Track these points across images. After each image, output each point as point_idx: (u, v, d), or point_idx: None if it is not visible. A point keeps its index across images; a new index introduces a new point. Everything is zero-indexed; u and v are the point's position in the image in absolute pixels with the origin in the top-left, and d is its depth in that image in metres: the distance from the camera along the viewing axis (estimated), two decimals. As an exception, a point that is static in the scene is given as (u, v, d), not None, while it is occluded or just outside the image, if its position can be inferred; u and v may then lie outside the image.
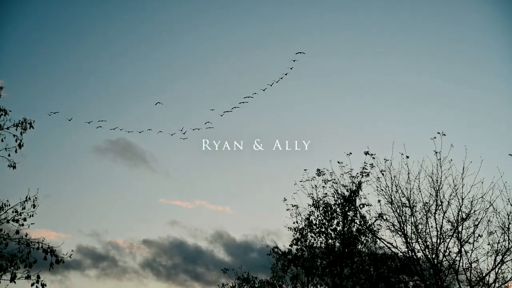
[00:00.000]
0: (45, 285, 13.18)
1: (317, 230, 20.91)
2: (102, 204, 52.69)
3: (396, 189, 19.22)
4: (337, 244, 20.66)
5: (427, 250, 18.59)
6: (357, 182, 20.74)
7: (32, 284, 13.07)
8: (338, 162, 20.88)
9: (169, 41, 55.88)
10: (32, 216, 13.66)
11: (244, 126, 50.07)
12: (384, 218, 19.61)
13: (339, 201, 20.77)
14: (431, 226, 18.68)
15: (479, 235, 18.45)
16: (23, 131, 14.07)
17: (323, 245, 20.81)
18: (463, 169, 18.51)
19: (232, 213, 49.45)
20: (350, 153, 20.72)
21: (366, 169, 20.58)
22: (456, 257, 18.51)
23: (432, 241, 18.57)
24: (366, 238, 20.52)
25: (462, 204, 18.46)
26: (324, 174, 21.23)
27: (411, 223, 18.86)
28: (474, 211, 18.42)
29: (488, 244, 18.50)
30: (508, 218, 18.05)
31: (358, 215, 20.59)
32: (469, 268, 18.36)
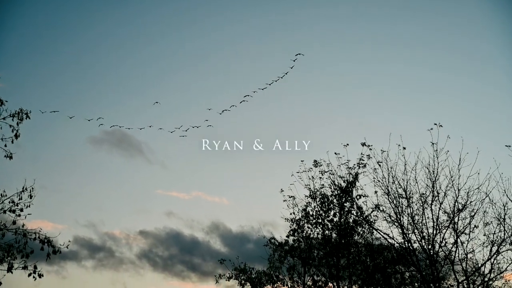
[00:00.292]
0: (42, 275, 13.18)
1: (314, 221, 20.97)
2: (99, 195, 52.62)
3: (393, 180, 19.30)
4: (334, 235, 20.74)
5: (423, 241, 18.68)
6: (354, 173, 20.79)
7: (29, 274, 13.07)
8: (335, 153, 20.95)
9: (168, 35, 55.59)
10: (29, 206, 13.60)
11: (244, 126, 50.04)
12: (381, 209, 19.71)
13: (336, 192, 20.83)
14: (428, 217, 18.79)
15: (475, 226, 18.56)
16: (19, 121, 14.00)
17: (319, 236, 20.88)
18: (460, 160, 18.62)
19: (229, 204, 49.50)
20: (347, 144, 20.79)
21: (363, 160, 20.65)
22: (452, 247, 18.63)
23: (428, 232, 18.69)
24: (363, 229, 20.60)
25: (458, 195, 18.57)
26: (321, 165, 21.29)
27: (408, 214, 18.95)
28: (470, 202, 18.52)
29: (484, 235, 18.60)
30: (504, 209, 18.14)
31: (354, 206, 20.66)
32: (465, 259, 18.49)
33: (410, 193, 19.00)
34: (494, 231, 18.29)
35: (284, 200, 21.60)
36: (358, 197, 20.70)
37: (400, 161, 19.34)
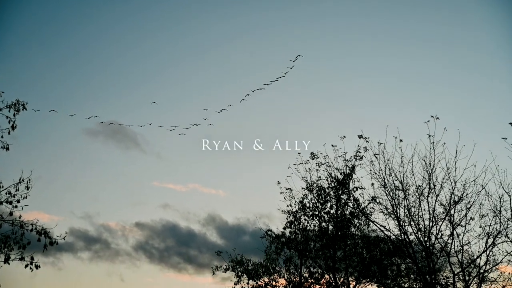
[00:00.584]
0: (39, 267, 13.18)
1: (311, 213, 21.02)
2: (95, 187, 52.56)
3: (390, 172, 19.35)
4: (331, 227, 20.80)
5: (419, 233, 18.76)
6: (351, 166, 20.82)
7: (26, 266, 13.06)
8: (332, 145, 20.96)
9: (167, 31, 55.33)
10: (26, 198, 13.57)
11: (244, 126, 50.01)
12: (377, 201, 19.76)
13: (332, 185, 20.86)
14: (424, 209, 18.86)
15: (471, 218, 18.63)
16: (16, 113, 13.94)
17: (316, 228, 20.95)
18: (456, 152, 18.66)
19: (225, 196, 49.51)
20: (344, 137, 20.80)
21: (360, 152, 20.68)
22: (448, 239, 18.73)
23: (424, 224, 18.76)
24: (359, 221, 20.67)
25: (454, 188, 18.65)
26: (318, 158, 21.30)
27: (404, 206, 19.02)
28: (467, 194, 18.60)
29: (480, 227, 18.69)
30: (500, 201, 18.21)
31: (351, 198, 20.71)
32: (461, 251, 18.57)
33: (406, 185, 19.08)
34: (490, 223, 18.40)
35: (281, 192, 21.66)
36: (354, 189, 20.75)
37: (397, 153, 19.42)
